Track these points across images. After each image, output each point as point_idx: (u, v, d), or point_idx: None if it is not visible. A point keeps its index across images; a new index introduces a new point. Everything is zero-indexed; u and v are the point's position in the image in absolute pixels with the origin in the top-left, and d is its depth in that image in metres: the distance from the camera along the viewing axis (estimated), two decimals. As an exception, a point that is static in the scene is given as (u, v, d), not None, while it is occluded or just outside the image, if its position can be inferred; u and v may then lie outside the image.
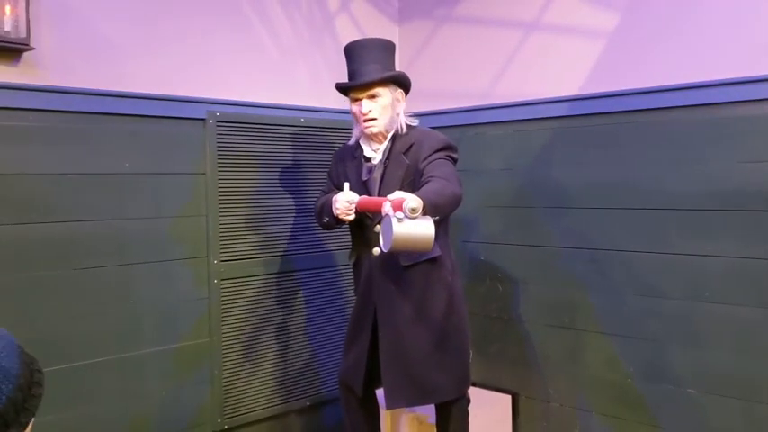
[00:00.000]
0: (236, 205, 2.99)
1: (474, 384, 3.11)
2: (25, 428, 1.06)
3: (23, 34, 2.29)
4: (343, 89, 2.57)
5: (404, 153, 2.49)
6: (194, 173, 2.84)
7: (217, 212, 2.91)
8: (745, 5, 2.49)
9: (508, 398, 3.22)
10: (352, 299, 2.82)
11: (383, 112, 2.49)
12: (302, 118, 3.22)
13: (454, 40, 3.47)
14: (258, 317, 3.08)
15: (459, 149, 2.55)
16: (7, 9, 2.24)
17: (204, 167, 2.87)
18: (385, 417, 2.98)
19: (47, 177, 2.45)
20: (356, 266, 2.65)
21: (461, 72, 3.44)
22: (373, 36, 2.75)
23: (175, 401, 2.80)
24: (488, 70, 3.31)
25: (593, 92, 2.90)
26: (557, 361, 3.08)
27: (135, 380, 2.68)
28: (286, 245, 3.17)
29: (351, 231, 2.65)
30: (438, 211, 2.13)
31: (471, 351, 2.67)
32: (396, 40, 3.64)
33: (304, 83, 3.25)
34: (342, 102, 2.73)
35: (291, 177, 3.20)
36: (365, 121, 2.48)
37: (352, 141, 2.63)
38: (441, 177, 2.28)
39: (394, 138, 2.53)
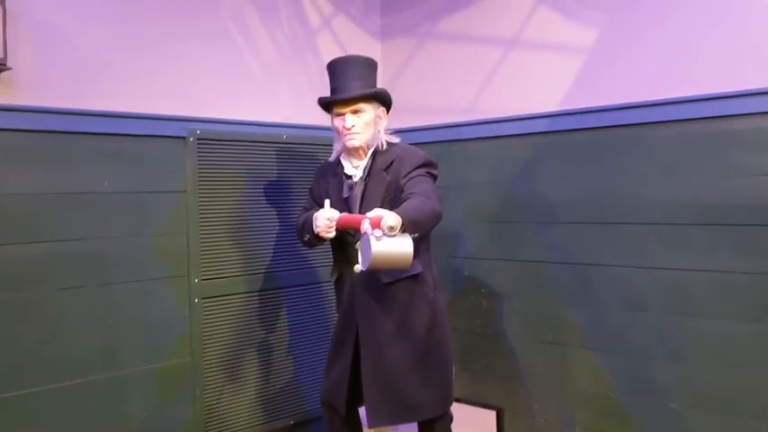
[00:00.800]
0: (218, 223, 2.98)
1: (458, 400, 3.10)
2: None
3: (0, 54, 2.28)
4: (326, 104, 2.58)
5: (384, 170, 2.49)
6: (175, 191, 2.83)
7: (198, 231, 2.90)
8: (727, 19, 2.52)
9: (493, 414, 3.20)
10: (335, 316, 2.81)
11: (365, 127, 2.50)
12: (284, 135, 3.22)
13: (436, 56, 3.48)
14: (240, 335, 3.06)
15: (442, 165, 2.57)
16: (-16, 30, 2.24)
17: (185, 185, 2.86)
18: (368, 435, 2.97)
19: (25, 197, 2.43)
20: (338, 284, 2.64)
21: (444, 88, 3.45)
22: (356, 53, 2.77)
23: (157, 422, 2.77)
24: (471, 86, 3.33)
25: (574, 107, 2.92)
26: (541, 376, 3.08)
27: (116, 400, 2.65)
28: (268, 262, 3.16)
29: (332, 248, 2.64)
30: (417, 227, 2.13)
31: (455, 367, 2.66)
32: (378, 57, 3.67)
33: (286, 100, 3.25)
34: (324, 118, 2.73)
35: (273, 194, 3.19)
36: (348, 134, 2.49)
37: (332, 158, 2.63)
38: (420, 194, 2.29)
39: (374, 155, 2.53)
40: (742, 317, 2.49)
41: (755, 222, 2.44)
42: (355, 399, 2.60)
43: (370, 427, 2.55)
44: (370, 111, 2.51)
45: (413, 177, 2.41)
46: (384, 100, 2.58)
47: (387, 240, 1.99)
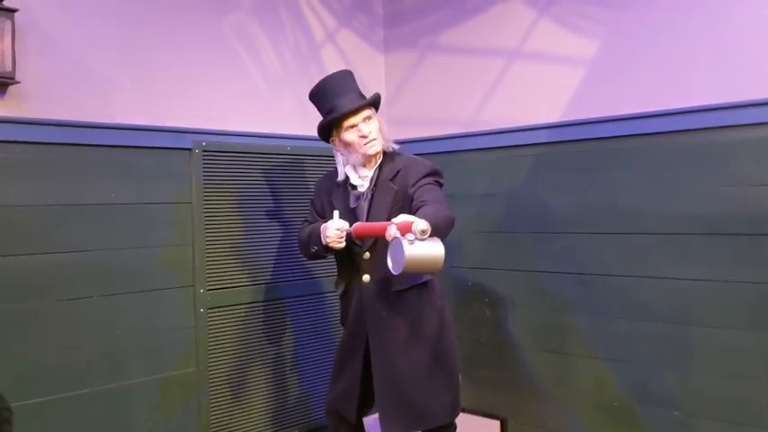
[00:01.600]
0: (223, 234, 3.00)
1: (463, 410, 3.09)
2: None
3: (9, 68, 2.32)
4: (332, 121, 2.52)
5: (391, 179, 2.52)
6: (180, 202, 2.86)
7: (203, 241, 2.92)
8: (725, 32, 2.55)
9: (497, 423, 3.21)
10: (339, 326, 2.82)
11: (378, 133, 2.54)
12: (288, 146, 3.25)
13: (439, 68, 3.52)
14: (245, 345, 3.07)
15: (445, 176, 2.59)
16: (-7, 45, 2.28)
17: (190, 197, 2.89)
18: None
19: (33, 209, 2.46)
20: (344, 295, 2.64)
21: (446, 100, 3.48)
22: (359, 65, 2.78)
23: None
24: (472, 98, 3.36)
25: (575, 118, 2.95)
26: (545, 385, 3.08)
27: (122, 411, 2.67)
28: (272, 273, 3.18)
29: (338, 260, 2.65)
30: (438, 233, 2.16)
31: (460, 375, 2.67)
32: (381, 70, 3.73)
33: (290, 111, 3.29)
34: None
35: (278, 205, 3.22)
36: (367, 142, 2.50)
37: (341, 176, 2.60)
38: (434, 201, 2.33)
39: (381, 165, 2.56)
40: (745, 326, 2.50)
41: (758, 232, 2.46)
42: (362, 408, 2.61)
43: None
44: (375, 116, 2.56)
45: (422, 186, 2.44)
46: (378, 106, 2.62)
47: (419, 244, 2.03)
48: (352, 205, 2.56)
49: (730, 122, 2.52)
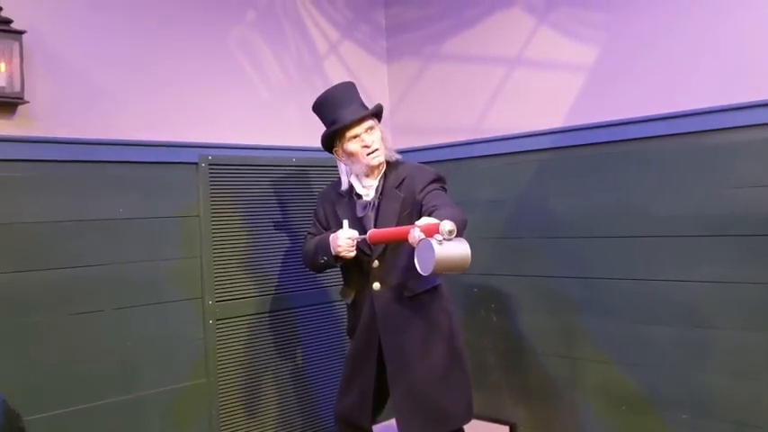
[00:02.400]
0: (230, 246, 3.04)
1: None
2: None
3: (18, 89, 2.37)
4: (336, 131, 2.55)
5: (396, 187, 2.55)
6: (188, 215, 2.90)
7: (211, 253, 2.96)
8: (725, 34, 2.56)
9: (506, 429, 3.22)
10: (346, 335, 2.85)
11: (380, 143, 2.56)
12: (294, 158, 3.29)
13: (441, 77, 3.55)
14: (254, 356, 3.10)
15: (449, 183, 2.62)
16: (2, 66, 2.33)
17: (198, 210, 2.93)
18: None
19: (43, 225, 2.51)
20: (354, 304, 2.66)
21: (449, 108, 3.51)
22: (362, 75, 2.80)
23: (174, 443, 2.81)
24: (475, 105, 3.38)
25: (577, 124, 2.96)
26: (554, 390, 3.09)
27: (134, 422, 2.70)
28: (280, 283, 3.21)
29: (344, 269, 2.67)
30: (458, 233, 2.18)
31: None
32: (385, 79, 3.76)
33: (295, 123, 3.32)
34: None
35: (284, 216, 3.25)
36: (370, 153, 2.53)
37: (345, 186, 2.63)
38: (446, 205, 2.37)
39: (385, 173, 2.59)
40: (751, 327, 2.50)
41: (763, 233, 2.46)
42: (374, 415, 2.64)
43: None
44: (377, 127, 2.59)
45: (430, 191, 2.47)
46: (380, 116, 2.65)
47: (447, 244, 2.06)
48: (360, 214, 2.58)
49: (733, 124, 2.53)
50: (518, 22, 3.19)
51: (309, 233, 2.75)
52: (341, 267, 2.67)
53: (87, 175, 2.62)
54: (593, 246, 2.93)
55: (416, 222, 2.17)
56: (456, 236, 2.09)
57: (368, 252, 2.54)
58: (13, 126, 2.45)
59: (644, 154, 2.76)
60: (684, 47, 2.67)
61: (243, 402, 3.05)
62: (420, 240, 2.11)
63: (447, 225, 2.05)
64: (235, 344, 3.04)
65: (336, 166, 2.72)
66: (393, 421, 2.55)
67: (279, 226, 3.22)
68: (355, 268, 2.61)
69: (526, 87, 3.18)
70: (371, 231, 2.42)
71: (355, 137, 2.54)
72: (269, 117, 3.25)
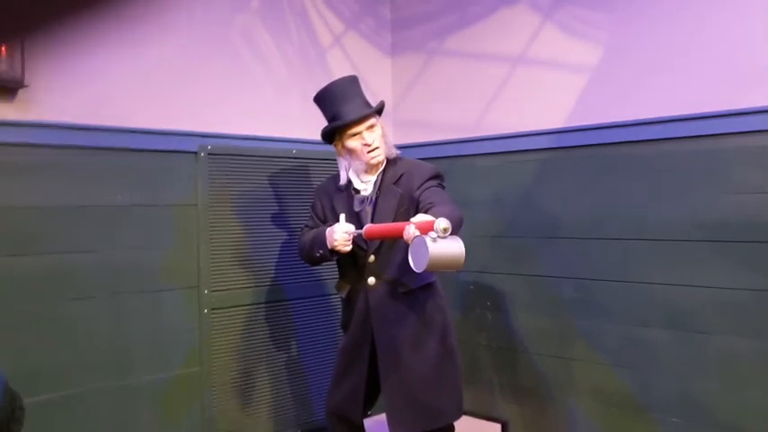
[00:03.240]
0: (228, 236, 3.04)
1: (464, 413, 3.12)
2: None
3: (18, 73, 2.37)
4: (338, 128, 2.56)
5: (394, 183, 2.55)
6: (186, 204, 2.90)
7: (208, 243, 2.96)
8: (728, 39, 2.55)
9: (498, 427, 3.23)
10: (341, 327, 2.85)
11: (381, 141, 2.56)
12: (294, 149, 3.28)
13: (445, 73, 3.53)
14: (249, 346, 3.11)
15: (448, 180, 2.62)
16: (2, 50, 2.32)
17: (196, 199, 2.93)
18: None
19: (40, 210, 2.51)
20: (348, 298, 2.66)
21: (451, 104, 3.50)
22: (366, 69, 2.79)
23: (167, 431, 2.82)
24: (477, 103, 3.37)
25: (579, 124, 2.95)
26: (547, 390, 3.09)
27: (127, 409, 2.71)
28: (276, 274, 3.22)
29: (340, 264, 2.68)
30: (453, 231, 2.18)
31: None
32: (388, 73, 3.75)
33: (296, 115, 3.31)
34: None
35: (283, 208, 3.25)
36: (370, 151, 2.53)
37: (343, 180, 2.63)
38: (443, 203, 2.36)
39: (384, 169, 2.59)
40: (745, 333, 2.50)
41: (759, 239, 2.46)
42: (365, 409, 2.65)
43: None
44: (379, 124, 2.58)
45: (428, 188, 2.47)
46: (381, 112, 2.65)
47: (441, 242, 2.06)
48: (357, 209, 2.58)
49: (732, 129, 2.51)
50: (523, 19, 3.18)
51: (306, 226, 2.75)
52: (337, 261, 2.67)
53: (85, 162, 2.62)
54: (589, 247, 2.92)
55: (412, 219, 2.17)
56: (451, 234, 2.09)
57: (364, 247, 2.54)
58: (13, 110, 2.45)
59: (642, 157, 2.75)
60: (688, 51, 2.65)
61: (236, 392, 3.06)
62: (414, 237, 2.11)
63: (442, 223, 2.05)
64: (229, 334, 3.04)
65: (336, 160, 2.71)
66: (384, 416, 2.56)
67: (277, 217, 3.22)
68: (351, 262, 2.61)
69: (529, 86, 3.16)
70: (368, 226, 2.42)
71: (356, 134, 2.54)
72: (270, 108, 3.25)
